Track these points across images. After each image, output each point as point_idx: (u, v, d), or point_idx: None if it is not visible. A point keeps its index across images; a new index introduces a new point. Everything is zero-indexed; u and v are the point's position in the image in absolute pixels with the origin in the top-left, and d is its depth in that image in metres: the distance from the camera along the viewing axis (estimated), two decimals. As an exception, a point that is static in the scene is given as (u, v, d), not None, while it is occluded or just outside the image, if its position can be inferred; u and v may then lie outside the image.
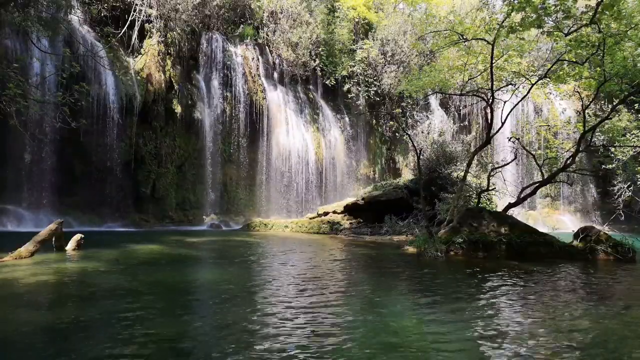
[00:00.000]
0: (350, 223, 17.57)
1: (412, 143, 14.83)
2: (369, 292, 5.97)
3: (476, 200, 14.19)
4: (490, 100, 12.74)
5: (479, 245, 9.91)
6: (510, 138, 14.98)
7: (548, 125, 25.27)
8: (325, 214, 18.99)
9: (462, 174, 13.76)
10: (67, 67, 15.62)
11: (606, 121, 13.76)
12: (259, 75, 24.07)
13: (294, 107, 25.32)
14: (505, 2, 10.96)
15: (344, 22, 27.51)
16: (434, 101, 29.09)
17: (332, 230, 17.07)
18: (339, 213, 18.63)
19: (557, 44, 12.82)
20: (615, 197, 22.05)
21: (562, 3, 10.18)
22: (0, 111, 12.08)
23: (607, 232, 11.15)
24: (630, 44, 11.39)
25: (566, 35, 10.88)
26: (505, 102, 13.55)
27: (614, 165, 19.52)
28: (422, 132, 21.04)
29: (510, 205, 12.29)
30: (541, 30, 11.30)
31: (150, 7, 20.43)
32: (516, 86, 13.96)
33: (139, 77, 19.81)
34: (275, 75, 25.35)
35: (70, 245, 9.24)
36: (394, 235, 15.38)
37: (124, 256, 8.94)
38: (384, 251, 11.17)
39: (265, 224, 18.83)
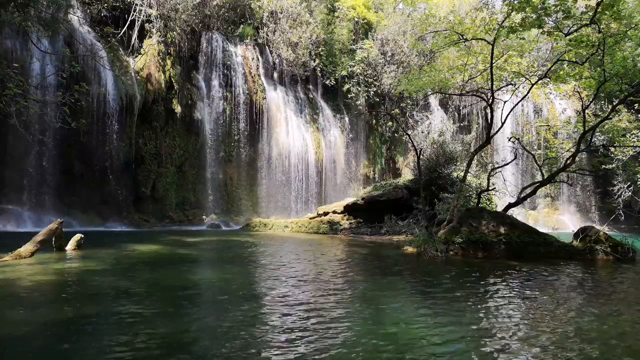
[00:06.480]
0: (350, 223, 17.57)
1: (412, 143, 14.85)
2: (368, 292, 5.97)
3: (476, 200, 14.19)
4: (490, 100, 12.74)
5: (479, 245, 9.90)
6: (510, 138, 14.97)
7: (548, 125, 25.28)
8: (325, 214, 18.99)
9: (462, 174, 13.76)
10: (67, 67, 15.65)
11: (606, 121, 13.75)
12: (259, 75, 24.08)
13: (293, 107, 25.33)
14: (505, 2, 10.96)
15: (344, 22, 27.52)
16: (433, 101, 29.09)
17: (332, 230, 17.07)
18: (338, 213, 18.62)
19: (557, 44, 12.83)
20: (615, 197, 22.06)
21: (562, 3, 10.18)
22: (0, 111, 12.09)
23: (606, 232, 11.15)
24: (630, 44, 11.40)
25: (566, 35, 10.88)
26: (505, 102, 13.55)
27: (614, 165, 19.53)
28: (422, 132, 21.02)
29: (510, 205, 12.29)
30: (541, 30, 11.30)
31: (150, 7, 20.44)
32: (516, 86, 13.97)
33: (138, 77, 19.82)
34: (275, 75, 25.36)
35: (70, 245, 9.24)
36: (394, 235, 15.39)
37: (124, 256, 8.94)
38: (384, 251, 11.16)
39: (265, 224, 18.82)
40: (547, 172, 14.64)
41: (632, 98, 13.92)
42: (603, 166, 19.64)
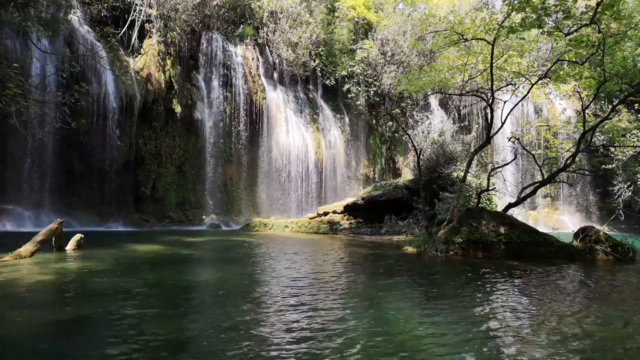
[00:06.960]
0: (350, 223, 17.58)
1: (412, 143, 14.85)
2: (368, 292, 5.97)
3: (476, 200, 14.19)
4: (490, 100, 12.74)
5: (479, 245, 9.90)
6: (510, 138, 14.98)
7: (548, 125, 25.28)
8: (325, 214, 19.00)
9: (462, 174, 13.76)
10: (67, 67, 15.65)
11: (606, 121, 13.75)
12: (259, 75, 24.08)
13: (293, 107, 25.33)
14: (505, 2, 10.95)
15: (344, 22, 27.53)
16: (433, 101, 29.10)
17: (332, 230, 17.07)
18: (338, 213, 18.63)
19: (557, 44, 12.83)
20: (615, 197, 22.06)
21: (562, 3, 10.17)
22: (0, 111, 12.09)
23: (606, 232, 11.14)
24: (630, 44, 11.40)
25: (566, 35, 10.88)
26: (505, 102, 13.55)
27: (614, 165, 19.53)
28: (422, 132, 21.02)
29: (510, 205, 12.29)
30: (541, 30, 11.30)
31: (150, 7, 20.44)
32: (516, 86, 13.97)
33: (138, 77, 19.83)
34: (275, 75, 25.36)
35: (70, 245, 9.24)
36: (394, 235, 15.39)
37: (124, 256, 8.94)
38: (384, 251, 11.16)
39: (265, 224, 18.83)
40: (547, 172, 14.64)
41: (632, 98, 13.93)
42: (603, 166, 19.64)
